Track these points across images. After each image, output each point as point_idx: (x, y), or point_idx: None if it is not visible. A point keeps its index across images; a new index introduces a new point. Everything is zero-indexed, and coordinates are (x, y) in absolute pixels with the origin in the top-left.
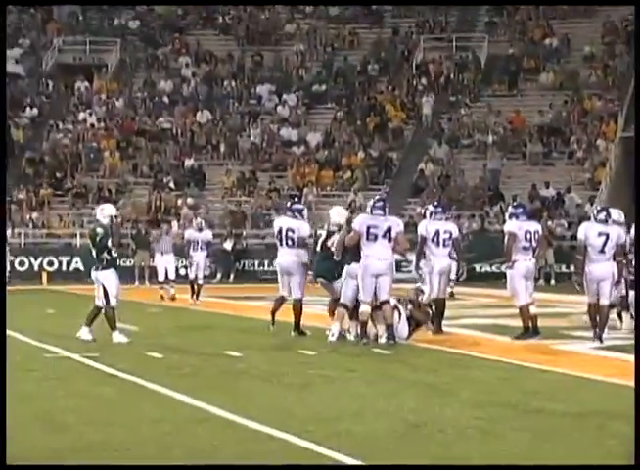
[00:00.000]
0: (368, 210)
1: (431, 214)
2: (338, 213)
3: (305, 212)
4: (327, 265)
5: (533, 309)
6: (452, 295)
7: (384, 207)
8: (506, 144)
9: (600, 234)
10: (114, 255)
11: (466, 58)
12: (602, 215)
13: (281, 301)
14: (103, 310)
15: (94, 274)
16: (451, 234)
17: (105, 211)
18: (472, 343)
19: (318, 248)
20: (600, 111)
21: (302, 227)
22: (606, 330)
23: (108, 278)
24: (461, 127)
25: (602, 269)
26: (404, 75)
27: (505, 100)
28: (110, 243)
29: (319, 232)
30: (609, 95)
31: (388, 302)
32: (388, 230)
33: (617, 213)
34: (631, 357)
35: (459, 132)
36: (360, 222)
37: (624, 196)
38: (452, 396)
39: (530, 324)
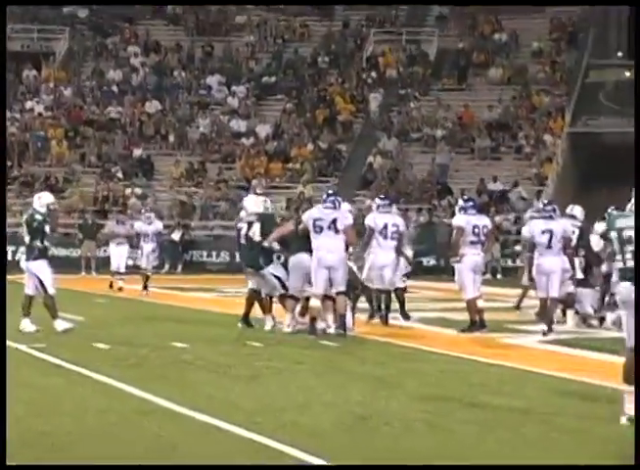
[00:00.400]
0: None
1: (378, 207)
2: (254, 203)
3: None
4: (253, 255)
5: (481, 303)
6: (405, 289)
7: (334, 200)
8: (455, 138)
9: (544, 231)
10: (47, 244)
11: (416, 51)
12: (546, 210)
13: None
14: (42, 300)
15: (25, 264)
16: (398, 227)
17: (42, 200)
18: (419, 336)
19: (242, 239)
20: (547, 106)
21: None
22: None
23: (41, 268)
24: (410, 121)
25: (550, 263)
26: (354, 68)
27: (454, 94)
28: (47, 229)
29: (239, 225)
30: (556, 90)
31: (343, 293)
32: (334, 222)
33: (578, 211)
34: (578, 352)
35: (408, 126)
36: (308, 215)
37: (570, 190)
38: (399, 388)
39: (477, 317)
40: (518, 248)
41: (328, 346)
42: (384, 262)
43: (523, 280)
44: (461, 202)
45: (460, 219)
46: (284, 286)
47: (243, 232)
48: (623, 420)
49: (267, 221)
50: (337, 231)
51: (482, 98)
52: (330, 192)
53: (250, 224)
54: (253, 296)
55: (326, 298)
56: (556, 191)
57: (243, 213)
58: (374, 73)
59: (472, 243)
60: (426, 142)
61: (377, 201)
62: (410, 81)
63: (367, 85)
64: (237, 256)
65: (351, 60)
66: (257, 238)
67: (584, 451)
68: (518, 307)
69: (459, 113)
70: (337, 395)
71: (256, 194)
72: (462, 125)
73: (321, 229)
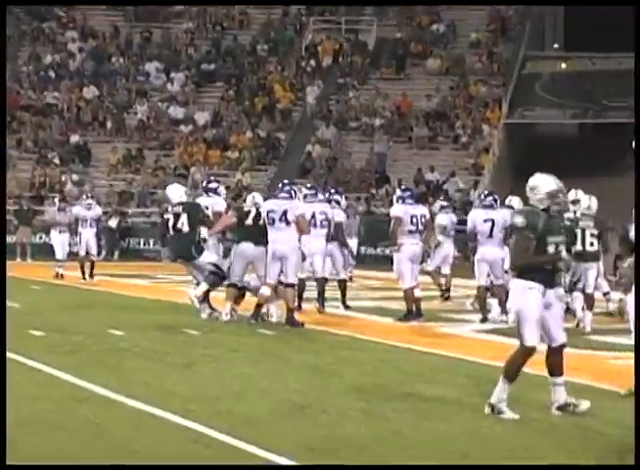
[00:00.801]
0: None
1: (305, 197)
2: (177, 193)
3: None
4: (183, 245)
5: (418, 292)
6: (351, 279)
7: (290, 190)
8: (393, 127)
9: (486, 220)
10: None
11: (355, 41)
12: (487, 200)
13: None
14: None
15: None
16: (326, 215)
17: None
18: (355, 325)
19: (171, 231)
20: (484, 96)
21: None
22: (495, 312)
23: None
24: (349, 110)
25: (492, 252)
26: (293, 57)
27: (392, 84)
28: None
29: (165, 216)
30: (493, 81)
31: (292, 285)
32: (284, 214)
33: (516, 201)
34: (512, 341)
35: (347, 115)
36: (263, 206)
37: (507, 181)
38: (336, 377)
39: (414, 307)
40: (440, 238)
41: (264, 334)
42: (313, 250)
43: (429, 265)
44: (399, 191)
45: (398, 209)
46: (222, 274)
47: (170, 224)
48: (554, 409)
49: (193, 210)
50: (288, 223)
51: (420, 88)
52: (285, 181)
53: (176, 216)
54: (233, 291)
55: (280, 284)
56: (492, 181)
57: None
58: (313, 62)
59: (410, 232)
60: (364, 131)
61: (303, 190)
62: (349, 70)
63: (306, 74)
64: (162, 248)
65: (291, 48)
66: (186, 228)
67: (519, 440)
68: (446, 297)
69: (397, 102)
70: (273, 383)
71: (208, 188)
72: (400, 115)
73: (273, 221)
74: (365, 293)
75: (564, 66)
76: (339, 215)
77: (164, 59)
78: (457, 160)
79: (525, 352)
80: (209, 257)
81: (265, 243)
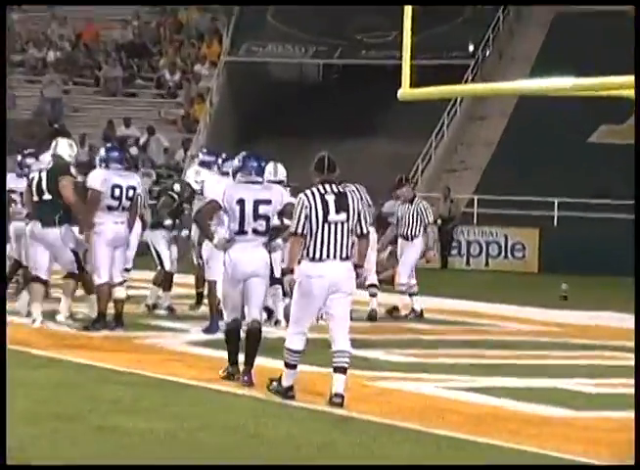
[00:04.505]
0: None
1: None
2: None
3: None
4: None
5: (121, 292)
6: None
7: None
8: (73, 64)
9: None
10: None
11: None
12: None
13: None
14: None
15: None
16: None
17: None
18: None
19: None
20: (199, 26)
21: None
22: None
23: None
24: (11, 39)
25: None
26: None
27: (72, 6)
28: None
29: None
30: (211, 6)
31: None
32: None
33: (282, 170)
34: (220, 354)
35: (8, 45)
36: None
37: (229, 139)
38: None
39: (109, 310)
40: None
41: None
42: None
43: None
44: (103, 151)
45: (97, 176)
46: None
47: None
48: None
49: None
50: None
51: (112, 12)
52: None
53: None
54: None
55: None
56: (210, 138)
57: None
58: None
59: (110, 209)
60: (32, 68)
61: None
62: None
63: None
64: None
65: None
66: None
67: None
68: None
69: (79, 29)
70: None
71: None
72: (84, 47)
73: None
74: None
75: None
76: None
77: None
78: (162, 110)
79: None
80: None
81: None
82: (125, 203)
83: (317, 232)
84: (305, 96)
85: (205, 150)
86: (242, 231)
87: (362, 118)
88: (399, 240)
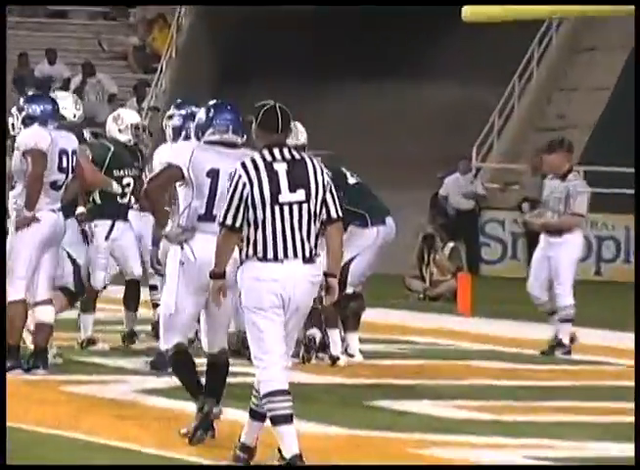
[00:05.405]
0: None
1: None
2: None
3: None
4: None
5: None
6: None
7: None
8: None
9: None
10: None
11: None
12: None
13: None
14: None
15: None
16: None
17: None
18: None
19: None
20: None
21: None
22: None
23: None
24: None
25: None
26: None
27: None
28: None
29: None
30: None
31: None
32: None
33: (301, 129)
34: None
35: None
36: None
37: (204, 82)
38: None
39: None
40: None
41: None
42: None
43: None
44: (26, 103)
45: (38, 134)
46: None
47: None
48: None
49: None
50: None
51: None
52: None
53: None
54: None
55: None
56: (176, 82)
57: None
58: None
59: (54, 187)
60: None
61: None
62: None
63: None
64: None
65: None
66: None
67: None
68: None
69: None
70: None
71: None
72: None
73: None
74: None
75: None
76: None
77: None
78: (104, 38)
79: None
80: None
81: None
82: (69, 178)
83: (264, 220)
84: (319, 18)
85: (179, 101)
86: (209, 216)
87: (406, 52)
88: (542, 236)
